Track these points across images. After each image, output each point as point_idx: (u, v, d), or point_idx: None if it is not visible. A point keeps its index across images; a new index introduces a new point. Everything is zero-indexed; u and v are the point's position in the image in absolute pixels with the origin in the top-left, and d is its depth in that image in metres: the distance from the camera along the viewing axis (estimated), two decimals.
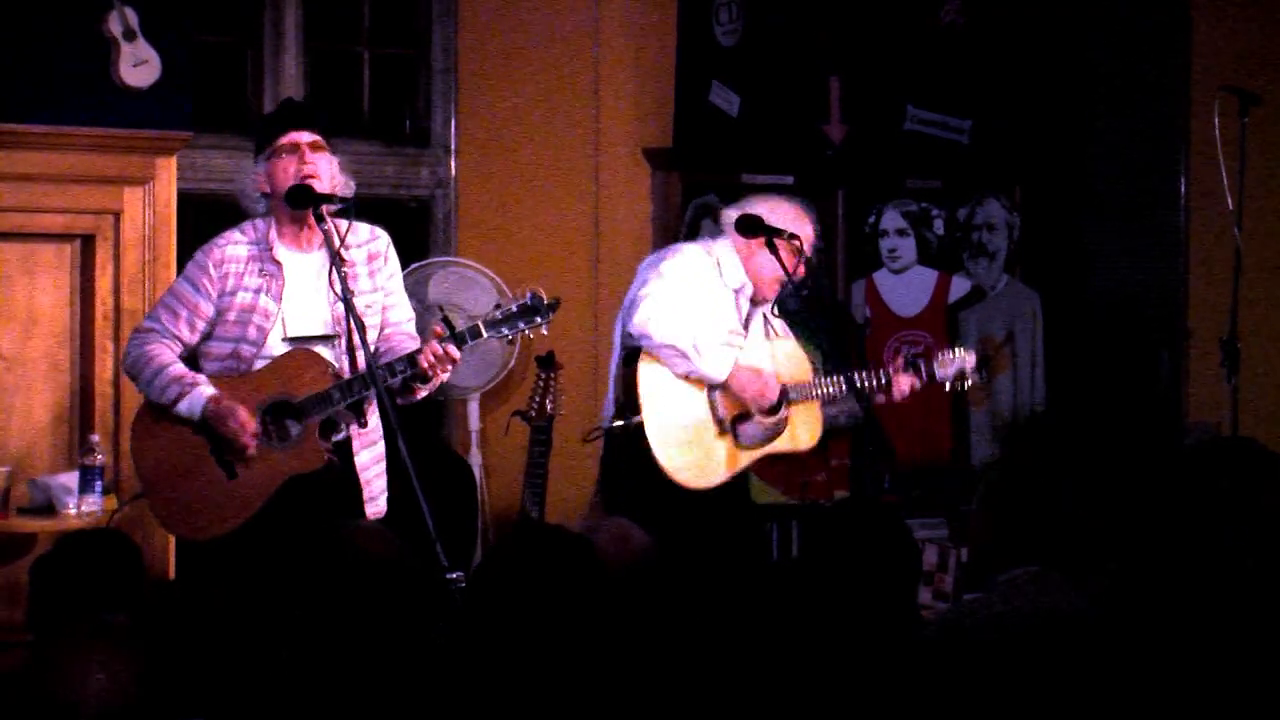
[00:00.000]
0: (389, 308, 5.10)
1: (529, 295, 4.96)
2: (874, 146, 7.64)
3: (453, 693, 3.31)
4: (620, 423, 5.54)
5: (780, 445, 5.64)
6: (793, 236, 5.46)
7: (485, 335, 4.94)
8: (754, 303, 5.68)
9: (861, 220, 7.66)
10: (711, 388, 5.55)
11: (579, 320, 7.10)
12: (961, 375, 5.70)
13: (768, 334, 5.72)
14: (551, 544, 3.45)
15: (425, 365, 4.85)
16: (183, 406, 4.89)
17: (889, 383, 5.58)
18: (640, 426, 5.49)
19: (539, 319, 4.94)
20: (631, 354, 5.54)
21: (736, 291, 5.62)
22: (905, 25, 7.65)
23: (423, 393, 4.96)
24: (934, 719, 3.46)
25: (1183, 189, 7.99)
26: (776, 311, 5.73)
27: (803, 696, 3.42)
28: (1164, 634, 3.64)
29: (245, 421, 4.85)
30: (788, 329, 5.79)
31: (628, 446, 5.54)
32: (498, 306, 5.03)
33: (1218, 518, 3.84)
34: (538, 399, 6.52)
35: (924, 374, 5.65)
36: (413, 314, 5.21)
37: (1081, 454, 7.57)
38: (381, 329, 5.09)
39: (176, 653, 3.31)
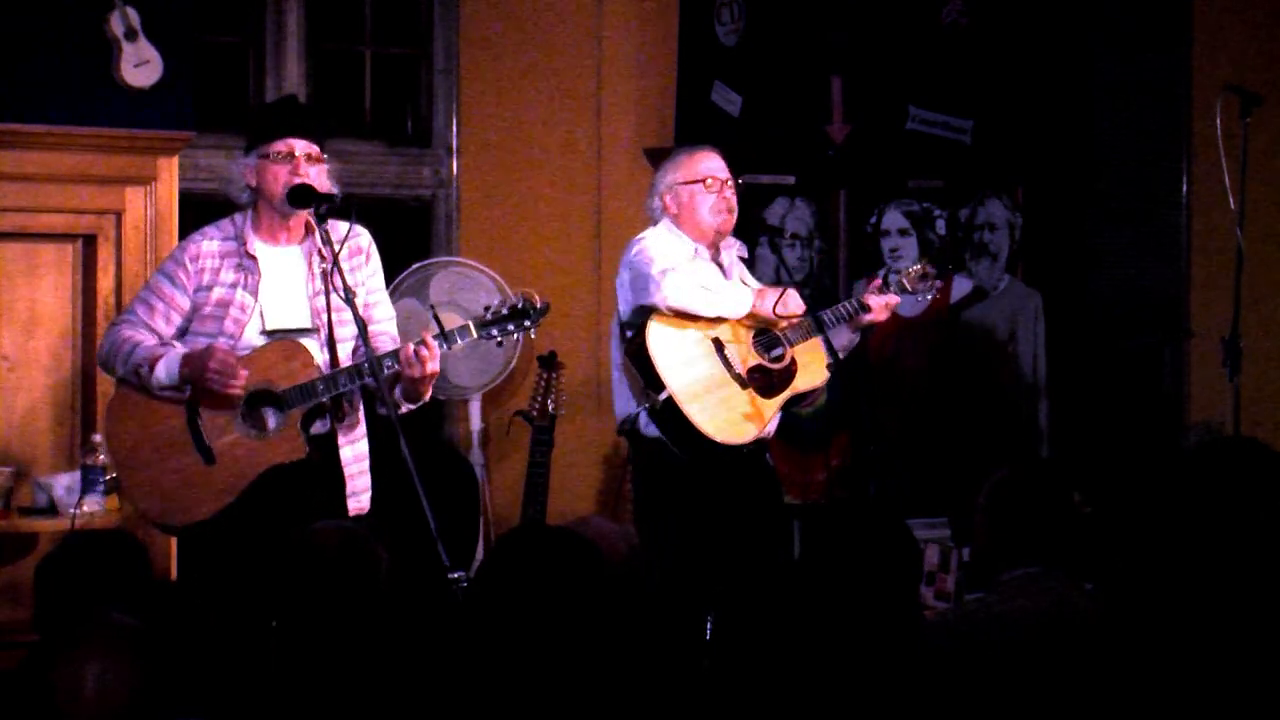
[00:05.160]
0: (370, 305, 5.04)
1: (519, 298, 4.93)
2: (876, 146, 7.63)
3: (456, 692, 3.31)
4: (648, 405, 5.46)
5: (800, 385, 5.64)
6: (703, 179, 5.60)
7: (476, 336, 4.91)
8: (723, 257, 5.68)
9: (863, 220, 7.65)
10: (720, 348, 5.51)
11: (581, 320, 7.10)
12: (924, 277, 5.74)
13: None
14: (555, 545, 3.45)
15: (404, 359, 4.79)
16: (160, 372, 4.80)
17: (862, 307, 5.62)
18: (670, 400, 5.43)
19: (528, 322, 4.91)
20: (636, 332, 5.51)
21: (696, 255, 5.62)
22: (907, 25, 7.64)
23: (405, 408, 4.89)
24: (935, 718, 3.46)
25: (1184, 188, 7.99)
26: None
27: (804, 696, 3.42)
28: (1167, 634, 3.65)
29: (225, 359, 4.75)
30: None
31: (667, 423, 5.46)
32: (487, 308, 5.01)
33: (1220, 517, 3.84)
34: (539, 399, 6.53)
35: (893, 288, 5.69)
36: (393, 314, 5.15)
37: (1085, 455, 7.57)
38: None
39: (177, 652, 3.31)
